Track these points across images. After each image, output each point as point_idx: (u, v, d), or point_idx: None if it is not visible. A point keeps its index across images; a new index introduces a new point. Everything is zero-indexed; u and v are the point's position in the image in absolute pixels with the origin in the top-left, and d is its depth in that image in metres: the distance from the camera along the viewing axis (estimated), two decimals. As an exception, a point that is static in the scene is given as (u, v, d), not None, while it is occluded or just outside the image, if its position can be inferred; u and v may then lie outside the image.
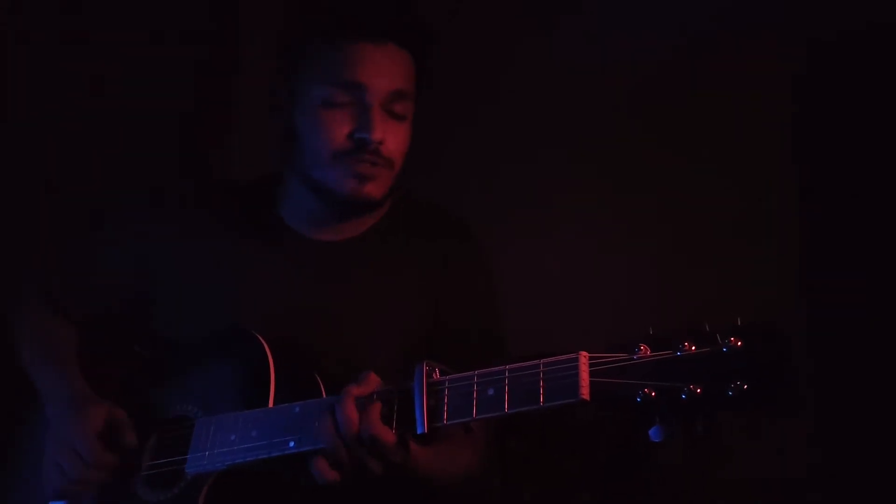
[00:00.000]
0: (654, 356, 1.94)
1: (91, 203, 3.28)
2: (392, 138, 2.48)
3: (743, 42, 3.25)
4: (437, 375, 2.13)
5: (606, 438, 3.10)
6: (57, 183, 3.41)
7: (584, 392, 1.96)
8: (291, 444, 2.21)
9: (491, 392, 2.06)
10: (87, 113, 3.45)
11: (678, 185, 3.27)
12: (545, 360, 2.02)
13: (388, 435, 2.14)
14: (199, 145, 3.66)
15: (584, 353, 1.99)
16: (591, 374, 1.97)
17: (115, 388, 2.52)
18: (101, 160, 3.43)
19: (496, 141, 3.51)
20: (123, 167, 3.41)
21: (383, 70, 2.46)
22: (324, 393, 2.33)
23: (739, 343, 1.88)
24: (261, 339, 2.37)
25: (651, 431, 1.94)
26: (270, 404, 2.29)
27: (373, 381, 2.21)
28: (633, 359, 1.95)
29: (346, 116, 2.46)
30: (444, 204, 2.71)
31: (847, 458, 2.98)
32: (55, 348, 2.63)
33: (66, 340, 2.65)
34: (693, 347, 1.91)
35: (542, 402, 2.00)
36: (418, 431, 2.10)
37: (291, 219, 2.61)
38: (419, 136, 2.56)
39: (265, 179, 2.68)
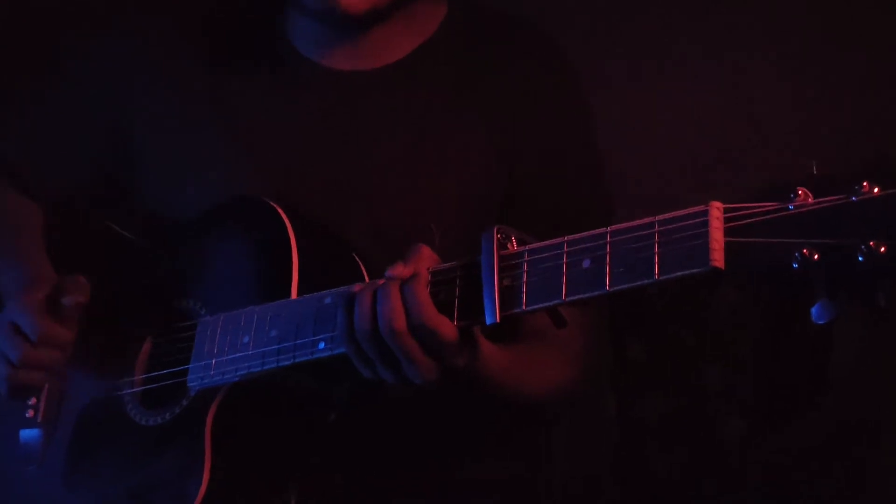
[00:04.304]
0: (817, 203, 1.51)
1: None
2: None
3: None
4: (513, 246, 1.71)
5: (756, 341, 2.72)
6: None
7: (718, 257, 1.54)
8: (322, 345, 1.87)
9: (587, 264, 1.64)
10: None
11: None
12: (661, 216, 1.60)
13: (448, 328, 1.72)
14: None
15: (716, 203, 1.56)
16: (727, 231, 1.55)
17: (91, 283, 2.13)
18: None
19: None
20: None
21: None
22: (366, 277, 1.97)
23: (943, 179, 1.48)
24: (277, 208, 2.00)
25: (814, 309, 1.54)
26: (293, 295, 1.94)
27: (425, 257, 1.78)
28: (787, 208, 1.52)
29: None
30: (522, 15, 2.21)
31: None
32: (10, 226, 2.25)
33: (25, 217, 2.26)
34: (875, 188, 1.48)
35: (658, 276, 1.59)
36: (488, 322, 1.69)
37: (305, 46, 2.16)
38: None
39: None
